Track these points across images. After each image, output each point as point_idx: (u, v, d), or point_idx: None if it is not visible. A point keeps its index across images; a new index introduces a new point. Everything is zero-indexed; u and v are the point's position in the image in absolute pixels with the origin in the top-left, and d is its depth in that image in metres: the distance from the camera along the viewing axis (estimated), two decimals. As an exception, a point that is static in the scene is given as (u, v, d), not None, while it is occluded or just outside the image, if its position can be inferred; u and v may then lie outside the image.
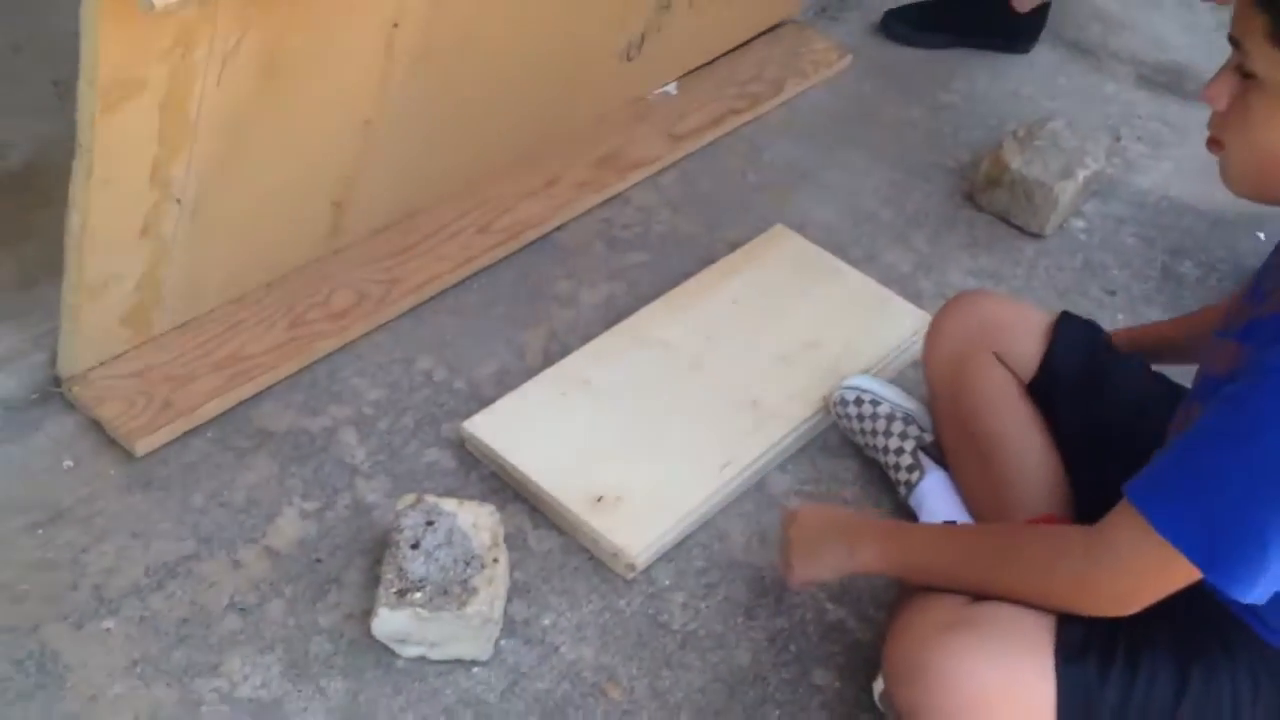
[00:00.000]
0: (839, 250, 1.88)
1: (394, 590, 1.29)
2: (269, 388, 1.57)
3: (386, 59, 1.46)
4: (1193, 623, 1.10)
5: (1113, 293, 1.93)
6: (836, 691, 1.37)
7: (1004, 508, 1.38)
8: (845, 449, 1.62)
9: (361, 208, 1.69)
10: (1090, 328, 1.45)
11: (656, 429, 1.55)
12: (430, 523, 1.34)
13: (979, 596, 1.15)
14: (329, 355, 1.63)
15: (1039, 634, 1.09)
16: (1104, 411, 1.37)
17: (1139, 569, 1.03)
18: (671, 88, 2.13)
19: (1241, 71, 1.04)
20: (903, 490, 1.51)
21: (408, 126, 1.60)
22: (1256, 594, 0.99)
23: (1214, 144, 1.09)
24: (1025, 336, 1.43)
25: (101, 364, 1.51)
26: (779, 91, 2.19)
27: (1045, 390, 1.41)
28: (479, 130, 1.77)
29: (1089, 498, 1.32)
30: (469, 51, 1.58)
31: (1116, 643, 1.10)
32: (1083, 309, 1.74)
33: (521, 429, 1.52)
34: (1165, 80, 2.42)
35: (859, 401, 1.56)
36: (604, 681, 1.35)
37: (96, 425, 1.48)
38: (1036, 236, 1.99)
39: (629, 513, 1.44)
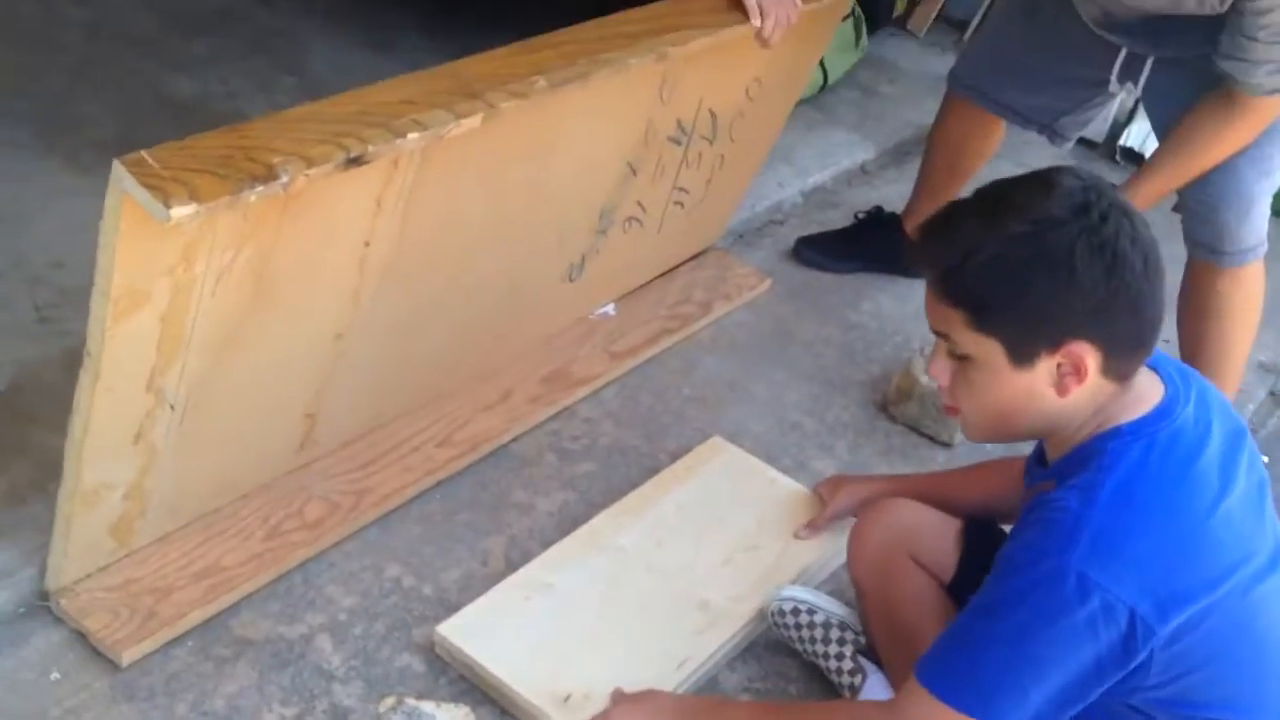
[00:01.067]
0: (770, 458, 2.05)
1: (380, 794, 1.36)
2: (247, 596, 1.64)
3: (358, 275, 1.57)
4: None
5: (1013, 495, 2.14)
6: None
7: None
8: (787, 646, 1.75)
9: (331, 420, 1.80)
10: (994, 530, 1.64)
11: (616, 629, 1.66)
12: (412, 725, 1.42)
13: None
14: (303, 564, 1.71)
15: None
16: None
17: None
18: (610, 308, 2.33)
19: (953, 356, 1.27)
20: (847, 694, 1.63)
21: (374, 341, 1.72)
22: None
23: (951, 410, 1.32)
24: (938, 541, 1.62)
25: (88, 576, 1.56)
26: (708, 312, 2.41)
27: (963, 590, 1.56)
28: (438, 346, 1.90)
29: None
30: (431, 271, 1.70)
31: None
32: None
33: (490, 632, 1.62)
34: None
35: (795, 612, 1.68)
36: None
37: (83, 637, 1.52)
38: (946, 445, 2.20)
39: (595, 710, 1.53)
